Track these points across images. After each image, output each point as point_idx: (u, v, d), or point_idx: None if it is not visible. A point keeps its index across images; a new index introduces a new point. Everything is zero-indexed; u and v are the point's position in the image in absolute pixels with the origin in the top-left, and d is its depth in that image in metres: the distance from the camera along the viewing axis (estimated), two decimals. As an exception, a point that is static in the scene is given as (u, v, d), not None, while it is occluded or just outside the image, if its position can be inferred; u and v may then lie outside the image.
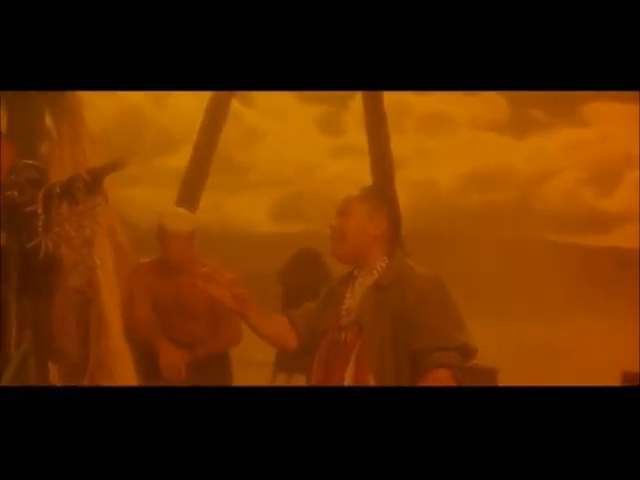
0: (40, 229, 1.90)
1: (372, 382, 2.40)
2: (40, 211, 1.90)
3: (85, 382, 2.08)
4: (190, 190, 7.44)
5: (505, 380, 2.61)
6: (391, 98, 9.04)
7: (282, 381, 6.55)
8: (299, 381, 6.39)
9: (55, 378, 2.19)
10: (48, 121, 2.45)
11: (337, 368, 2.45)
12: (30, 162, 2.11)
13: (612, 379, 7.04)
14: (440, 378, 2.37)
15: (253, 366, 8.38)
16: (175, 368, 3.60)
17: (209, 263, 3.84)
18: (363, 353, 2.41)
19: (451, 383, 2.38)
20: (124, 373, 2.20)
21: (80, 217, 1.90)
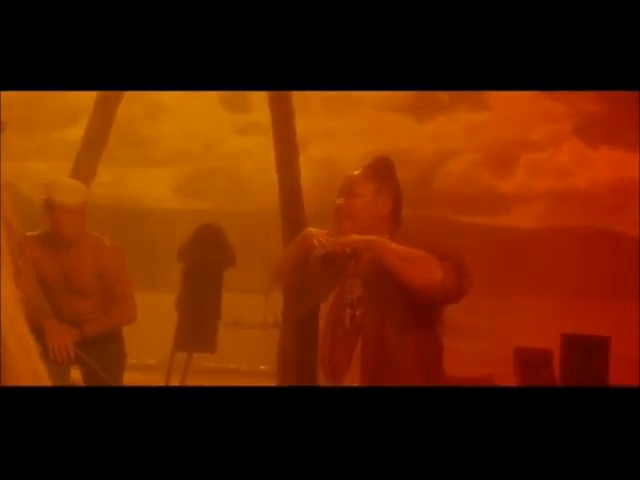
0: None
1: (381, 359, 2.44)
2: None
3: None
4: (86, 163, 7.21)
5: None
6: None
7: (181, 360, 6.48)
8: (200, 361, 6.34)
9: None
10: None
11: (346, 344, 2.49)
12: None
13: (504, 355, 7.30)
14: (428, 259, 2.38)
15: (149, 344, 8.27)
16: (63, 348, 3.45)
17: (100, 237, 3.74)
18: (370, 328, 2.46)
19: (438, 272, 2.37)
20: (8, 354, 2.10)
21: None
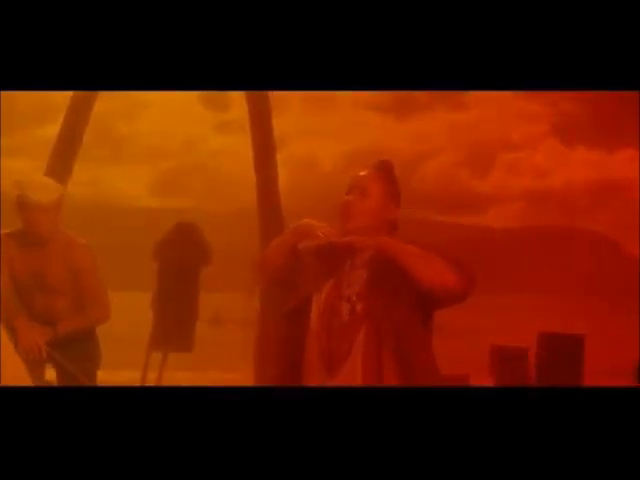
0: None
1: (385, 350, 2.45)
2: None
3: None
4: (61, 161, 7.14)
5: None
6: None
7: (157, 360, 6.44)
8: (175, 360, 6.31)
9: None
10: None
11: (345, 336, 2.50)
12: None
13: (481, 353, 7.34)
14: (440, 261, 2.44)
15: (124, 343, 8.22)
16: (34, 347, 3.41)
17: (74, 235, 3.71)
18: (374, 323, 2.47)
19: (451, 274, 2.43)
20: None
21: None
